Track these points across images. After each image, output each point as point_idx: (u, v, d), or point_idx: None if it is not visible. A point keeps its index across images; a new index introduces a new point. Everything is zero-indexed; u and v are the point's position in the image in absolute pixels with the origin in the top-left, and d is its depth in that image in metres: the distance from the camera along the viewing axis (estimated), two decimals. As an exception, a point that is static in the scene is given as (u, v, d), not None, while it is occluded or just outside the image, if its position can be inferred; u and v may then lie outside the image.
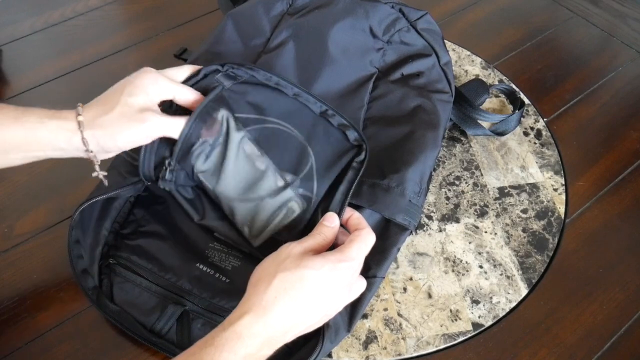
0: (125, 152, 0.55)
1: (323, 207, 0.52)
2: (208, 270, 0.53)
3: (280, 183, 0.52)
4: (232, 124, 0.52)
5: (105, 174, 0.50)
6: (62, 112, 0.47)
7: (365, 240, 0.46)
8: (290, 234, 0.52)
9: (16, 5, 0.84)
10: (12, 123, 0.46)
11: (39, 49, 0.79)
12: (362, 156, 0.52)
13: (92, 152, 0.47)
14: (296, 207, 0.52)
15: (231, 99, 0.52)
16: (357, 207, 0.53)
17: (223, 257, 0.54)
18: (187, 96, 0.51)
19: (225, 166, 0.52)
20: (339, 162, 0.53)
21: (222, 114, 0.51)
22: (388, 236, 0.54)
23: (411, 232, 0.55)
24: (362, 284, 0.48)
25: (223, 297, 0.52)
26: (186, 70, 0.53)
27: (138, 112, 0.48)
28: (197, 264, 0.54)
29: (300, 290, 0.42)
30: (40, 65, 0.76)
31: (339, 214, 0.49)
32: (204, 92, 0.52)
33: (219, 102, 0.52)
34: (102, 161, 0.50)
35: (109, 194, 0.53)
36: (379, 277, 0.52)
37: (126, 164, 0.55)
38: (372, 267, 0.52)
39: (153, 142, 0.51)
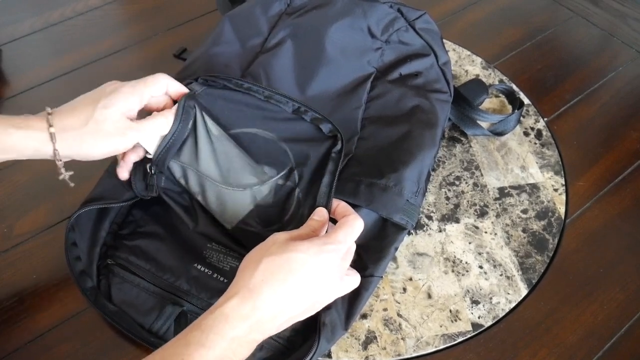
0: None
1: (310, 201, 0.52)
2: (206, 270, 0.53)
3: (259, 176, 0.54)
4: (199, 114, 0.53)
5: (72, 173, 0.50)
6: (30, 121, 0.46)
7: (352, 224, 0.47)
8: (274, 228, 0.53)
9: (16, 5, 0.84)
10: None
11: (39, 49, 0.79)
12: (338, 146, 0.53)
13: (61, 160, 0.48)
14: (274, 199, 0.53)
15: (204, 102, 0.54)
16: (355, 207, 0.53)
17: (221, 257, 0.54)
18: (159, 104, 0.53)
19: (200, 151, 0.53)
20: (315, 154, 0.54)
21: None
22: (385, 235, 0.54)
23: (409, 231, 0.55)
24: (355, 278, 0.48)
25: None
26: (162, 82, 0.53)
27: (113, 126, 0.48)
28: (195, 265, 0.54)
29: (287, 273, 0.42)
30: (40, 65, 0.76)
31: (326, 205, 0.50)
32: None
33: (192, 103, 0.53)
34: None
35: (107, 203, 0.53)
36: (376, 277, 0.52)
37: None
38: (370, 266, 0.52)
39: (138, 167, 0.53)
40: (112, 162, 0.56)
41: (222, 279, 0.53)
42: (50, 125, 0.46)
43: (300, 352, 0.48)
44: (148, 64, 0.77)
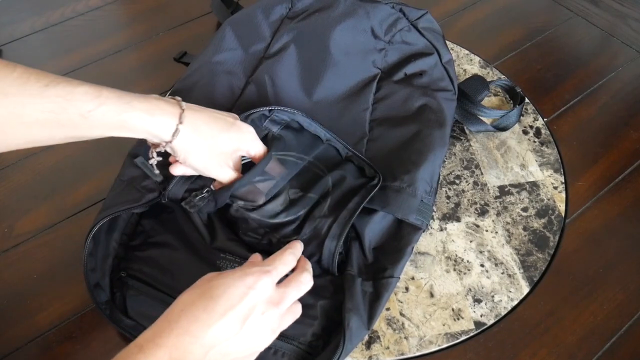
0: (143, 164, 0.53)
1: (332, 217, 0.52)
2: None
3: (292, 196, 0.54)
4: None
5: (160, 159, 0.50)
6: (163, 107, 0.45)
7: (301, 267, 0.46)
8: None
9: (16, 5, 0.84)
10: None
11: (39, 49, 0.79)
12: (375, 181, 0.54)
13: (163, 151, 0.48)
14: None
15: (279, 144, 0.56)
16: (370, 211, 0.54)
17: (235, 267, 0.53)
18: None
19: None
20: (351, 178, 0.55)
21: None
22: (402, 236, 0.54)
23: (424, 230, 0.56)
24: (296, 307, 0.45)
25: None
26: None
27: (230, 155, 0.51)
28: None
29: (208, 299, 0.39)
30: (40, 65, 0.75)
31: (348, 220, 0.51)
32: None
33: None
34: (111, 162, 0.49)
35: (128, 207, 0.51)
36: (395, 278, 0.52)
37: (142, 178, 0.53)
38: (388, 268, 0.52)
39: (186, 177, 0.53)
40: (123, 168, 0.55)
41: None
42: (181, 123, 0.46)
43: (324, 355, 0.47)
44: (148, 64, 0.77)
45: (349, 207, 0.52)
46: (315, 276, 0.53)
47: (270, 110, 0.56)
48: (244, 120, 0.54)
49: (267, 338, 0.42)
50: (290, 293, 0.43)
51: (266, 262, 0.44)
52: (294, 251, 0.47)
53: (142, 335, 0.38)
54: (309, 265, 0.47)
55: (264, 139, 0.55)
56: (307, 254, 0.52)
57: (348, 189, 0.54)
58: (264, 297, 0.41)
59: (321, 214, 0.52)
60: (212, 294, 0.39)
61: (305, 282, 0.45)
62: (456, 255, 0.58)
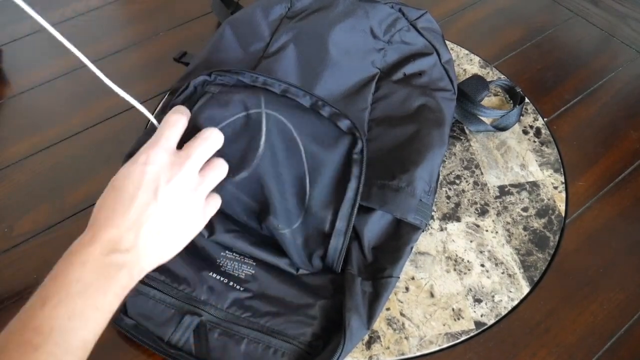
0: None
1: (332, 207, 0.51)
2: (222, 279, 0.52)
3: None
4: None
5: None
6: None
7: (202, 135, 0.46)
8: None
9: (16, 5, 0.84)
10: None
11: (39, 49, 0.79)
12: (359, 145, 0.51)
13: None
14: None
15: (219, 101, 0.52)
16: (368, 210, 0.53)
17: (236, 265, 0.54)
18: None
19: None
20: (331, 159, 0.52)
21: None
22: (400, 236, 0.54)
23: (423, 230, 0.56)
24: (215, 199, 0.48)
25: (239, 306, 0.52)
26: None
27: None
28: (210, 274, 0.53)
29: (116, 190, 0.41)
30: (41, 65, 0.76)
31: (351, 213, 0.50)
32: (195, 103, 0.52)
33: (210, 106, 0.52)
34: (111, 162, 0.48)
35: None
36: (394, 277, 0.51)
37: None
38: (387, 267, 0.52)
39: None
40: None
41: (238, 287, 0.52)
42: None
43: (324, 355, 0.47)
44: (148, 64, 0.77)
45: (347, 197, 0.50)
46: (315, 275, 0.53)
47: (210, 74, 0.54)
48: (186, 88, 0.54)
49: (190, 202, 0.44)
50: (195, 147, 0.44)
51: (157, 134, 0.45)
52: (182, 113, 0.46)
53: (72, 246, 0.40)
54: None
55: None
56: (309, 251, 0.52)
57: (334, 164, 0.51)
58: (161, 165, 0.42)
59: (313, 203, 0.51)
60: (116, 185, 0.42)
61: (209, 136, 0.45)
62: (456, 255, 0.58)
